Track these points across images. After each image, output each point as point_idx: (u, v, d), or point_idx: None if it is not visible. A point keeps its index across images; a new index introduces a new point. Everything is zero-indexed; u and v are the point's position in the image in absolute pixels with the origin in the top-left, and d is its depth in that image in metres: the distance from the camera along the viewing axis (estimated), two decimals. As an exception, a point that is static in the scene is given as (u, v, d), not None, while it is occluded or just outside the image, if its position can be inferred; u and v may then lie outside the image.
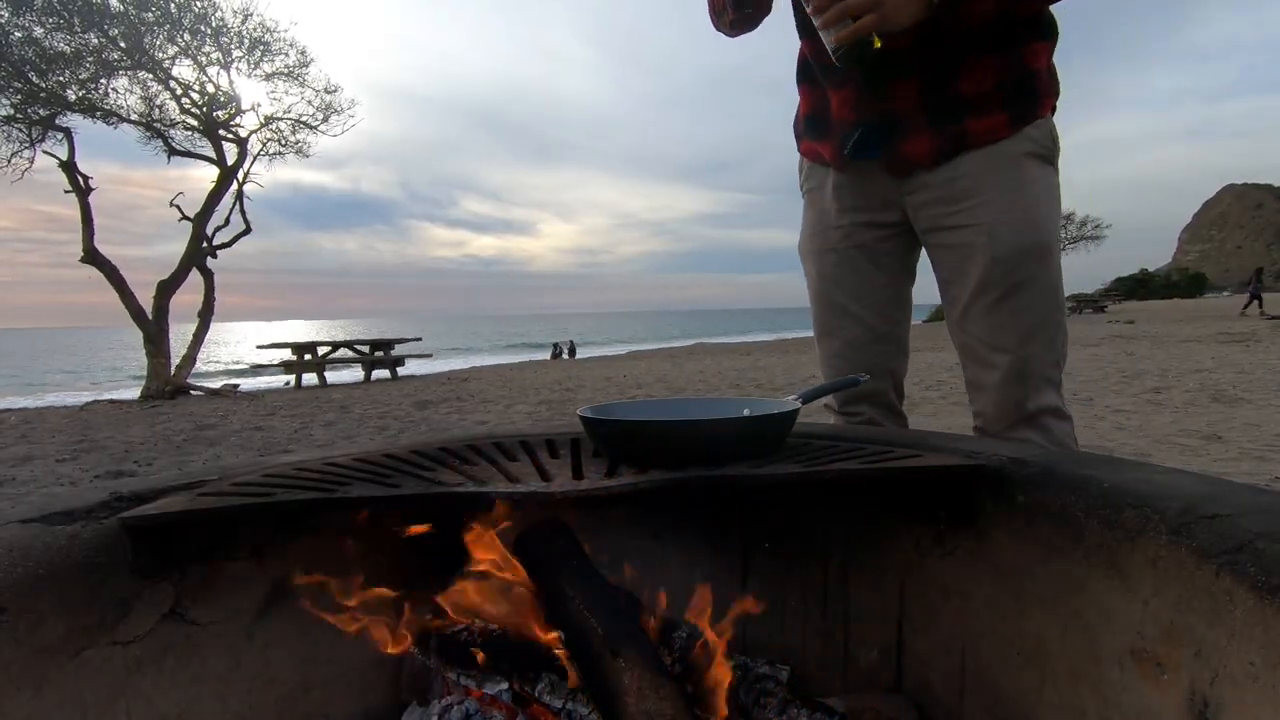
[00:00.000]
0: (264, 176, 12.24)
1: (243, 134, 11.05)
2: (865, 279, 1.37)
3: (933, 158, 1.22)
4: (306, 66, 11.03)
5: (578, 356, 19.66)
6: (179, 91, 10.32)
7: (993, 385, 1.23)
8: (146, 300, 10.21)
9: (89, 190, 10.01)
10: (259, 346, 13.47)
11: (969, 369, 1.29)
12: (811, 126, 1.40)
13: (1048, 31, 1.20)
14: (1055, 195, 1.23)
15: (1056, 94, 1.23)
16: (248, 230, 11.51)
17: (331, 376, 12.23)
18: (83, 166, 10.04)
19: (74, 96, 9.59)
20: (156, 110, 10.36)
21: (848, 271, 1.38)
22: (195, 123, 10.57)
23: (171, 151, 10.70)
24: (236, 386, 10.68)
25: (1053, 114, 1.24)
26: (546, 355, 20.77)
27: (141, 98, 10.22)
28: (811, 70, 1.35)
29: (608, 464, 0.91)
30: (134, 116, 10.22)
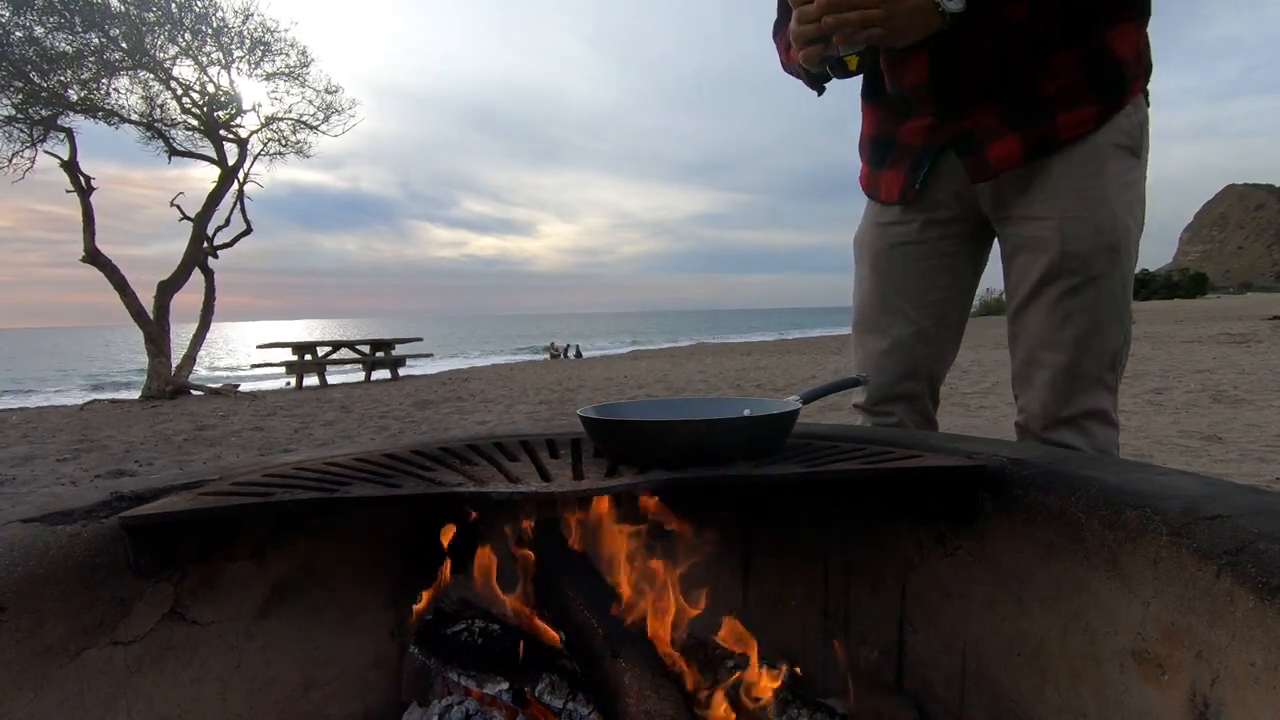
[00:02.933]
0: (263, 176, 12.24)
1: (243, 134, 11.06)
2: (926, 276, 1.30)
3: (1024, 157, 1.14)
4: (307, 66, 11.05)
5: (577, 357, 19.69)
6: (180, 91, 10.33)
7: (1042, 383, 1.19)
8: (147, 300, 10.23)
9: (90, 190, 10.02)
10: (259, 346, 13.47)
11: (1018, 362, 1.24)
12: (877, 149, 1.32)
13: (1136, 10, 1.12)
14: (1137, 191, 1.16)
15: (1147, 76, 1.15)
16: (248, 230, 11.51)
17: (332, 377, 12.24)
18: (83, 166, 10.07)
19: (75, 96, 9.60)
20: (158, 110, 10.38)
21: (907, 267, 1.31)
22: (196, 123, 10.58)
23: (172, 151, 10.71)
24: (237, 386, 10.68)
25: (1145, 96, 1.15)
26: (545, 355, 20.79)
27: (142, 98, 10.25)
28: (880, 88, 1.26)
29: (608, 464, 0.91)
30: (135, 116, 10.23)
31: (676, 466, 0.83)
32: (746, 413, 0.95)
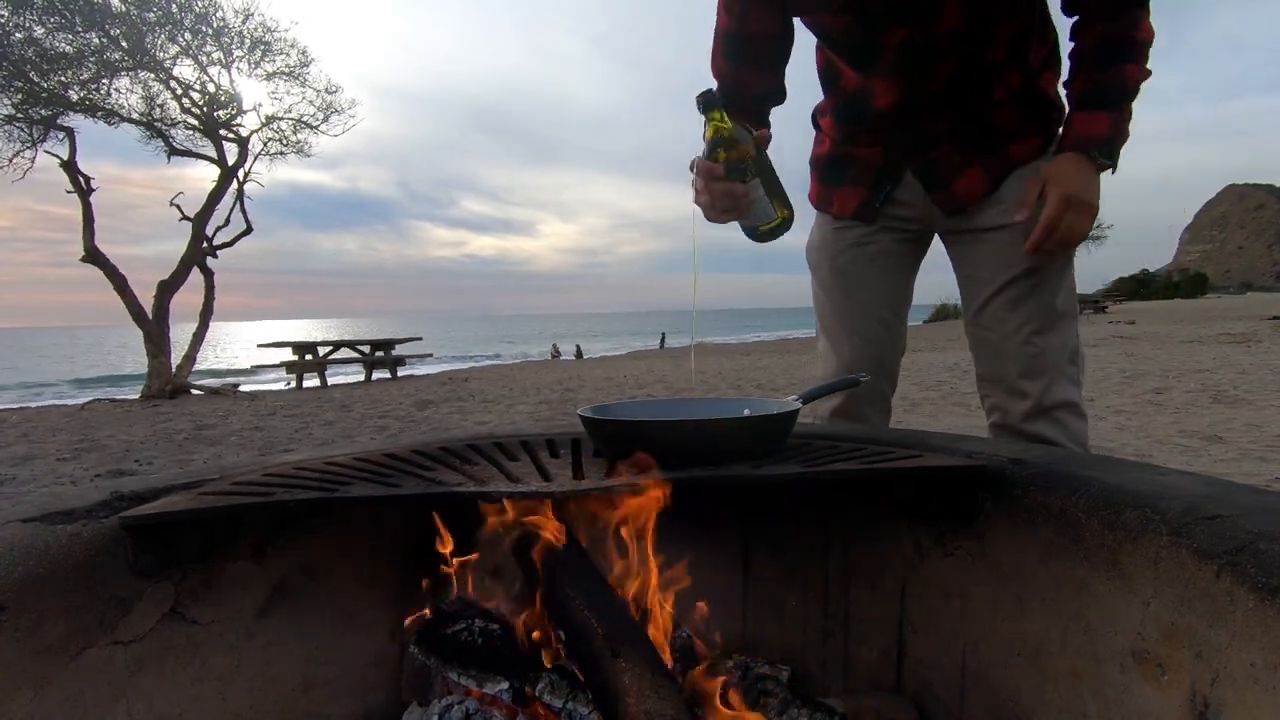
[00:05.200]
0: (263, 176, 12.23)
1: (244, 134, 11.06)
2: (884, 274, 1.40)
3: (988, 188, 1.26)
4: (307, 66, 11.05)
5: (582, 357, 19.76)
6: (180, 91, 10.33)
7: (1010, 377, 1.25)
8: (146, 300, 10.23)
9: (90, 190, 10.01)
10: (260, 346, 13.49)
11: (983, 363, 1.31)
12: (833, 167, 1.39)
13: (1056, 63, 1.27)
14: None
15: (1064, 113, 1.29)
16: (249, 230, 11.51)
17: (332, 377, 12.24)
18: (82, 166, 10.06)
19: (75, 96, 9.59)
20: (158, 110, 10.37)
21: (867, 267, 1.39)
22: (196, 122, 10.58)
23: (172, 151, 10.70)
24: (237, 386, 10.68)
25: None
26: (546, 355, 20.84)
27: (143, 97, 10.24)
28: (838, 111, 1.34)
29: (608, 464, 0.91)
30: (135, 116, 10.23)
31: (676, 466, 0.83)
32: (746, 413, 0.95)
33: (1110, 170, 1.15)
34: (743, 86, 1.26)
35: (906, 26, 1.15)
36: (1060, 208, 1.11)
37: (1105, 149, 1.14)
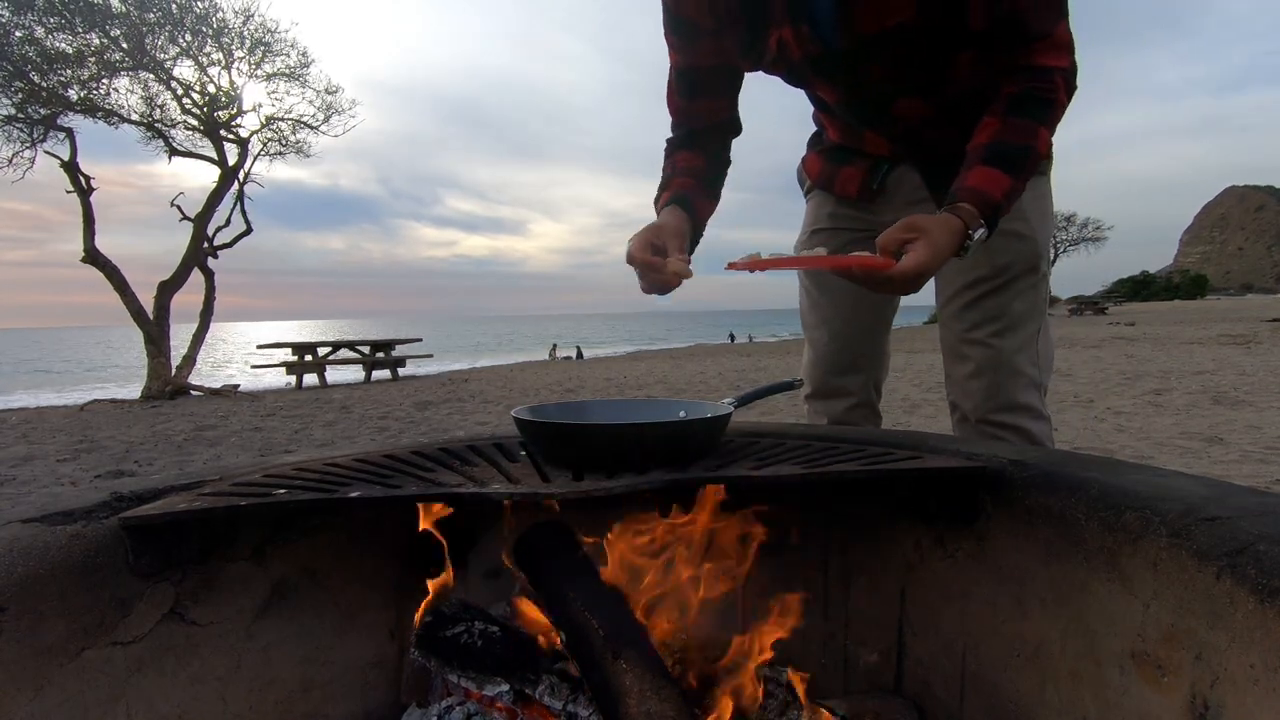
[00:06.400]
0: (263, 176, 12.24)
1: (244, 134, 11.07)
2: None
3: None
4: (307, 67, 11.08)
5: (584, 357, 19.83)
6: (180, 92, 10.34)
7: (965, 376, 1.28)
8: (147, 300, 10.23)
9: (91, 190, 10.02)
10: (260, 346, 13.50)
11: (947, 363, 1.34)
12: (839, 153, 1.39)
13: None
14: (1048, 203, 1.29)
15: None
16: (249, 230, 11.53)
17: (332, 377, 12.25)
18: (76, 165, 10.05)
19: (75, 96, 9.60)
20: (158, 110, 10.40)
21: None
22: (196, 123, 10.60)
23: (173, 152, 10.72)
24: (237, 387, 10.68)
25: None
26: (544, 356, 20.87)
27: (143, 98, 10.26)
28: (840, 109, 1.32)
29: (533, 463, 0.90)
30: (135, 116, 10.25)
31: (605, 469, 0.83)
32: (681, 414, 0.96)
33: (962, 253, 0.99)
34: (697, 119, 1.23)
35: (832, 85, 1.17)
36: (910, 276, 0.94)
37: (991, 219, 1.00)
